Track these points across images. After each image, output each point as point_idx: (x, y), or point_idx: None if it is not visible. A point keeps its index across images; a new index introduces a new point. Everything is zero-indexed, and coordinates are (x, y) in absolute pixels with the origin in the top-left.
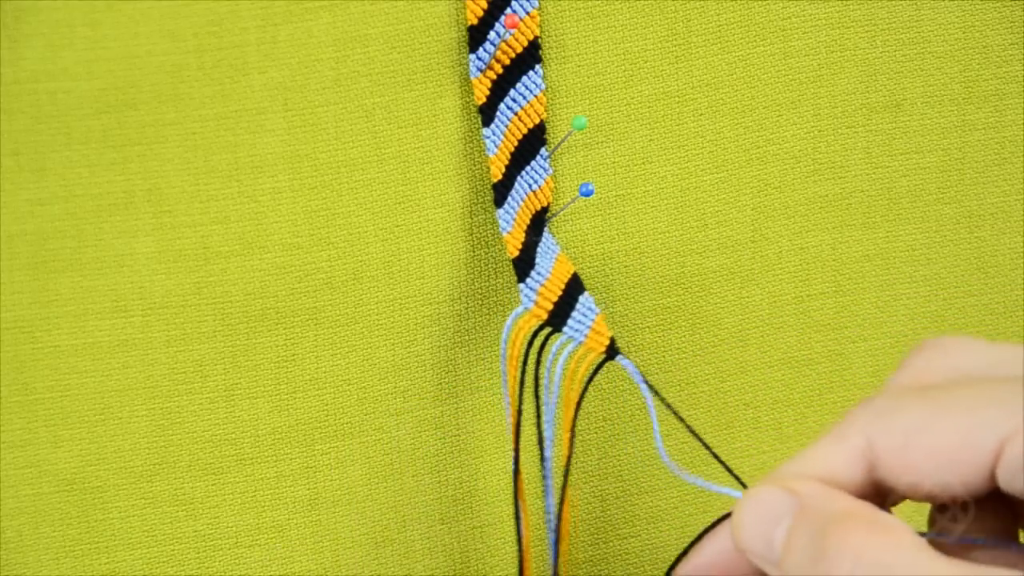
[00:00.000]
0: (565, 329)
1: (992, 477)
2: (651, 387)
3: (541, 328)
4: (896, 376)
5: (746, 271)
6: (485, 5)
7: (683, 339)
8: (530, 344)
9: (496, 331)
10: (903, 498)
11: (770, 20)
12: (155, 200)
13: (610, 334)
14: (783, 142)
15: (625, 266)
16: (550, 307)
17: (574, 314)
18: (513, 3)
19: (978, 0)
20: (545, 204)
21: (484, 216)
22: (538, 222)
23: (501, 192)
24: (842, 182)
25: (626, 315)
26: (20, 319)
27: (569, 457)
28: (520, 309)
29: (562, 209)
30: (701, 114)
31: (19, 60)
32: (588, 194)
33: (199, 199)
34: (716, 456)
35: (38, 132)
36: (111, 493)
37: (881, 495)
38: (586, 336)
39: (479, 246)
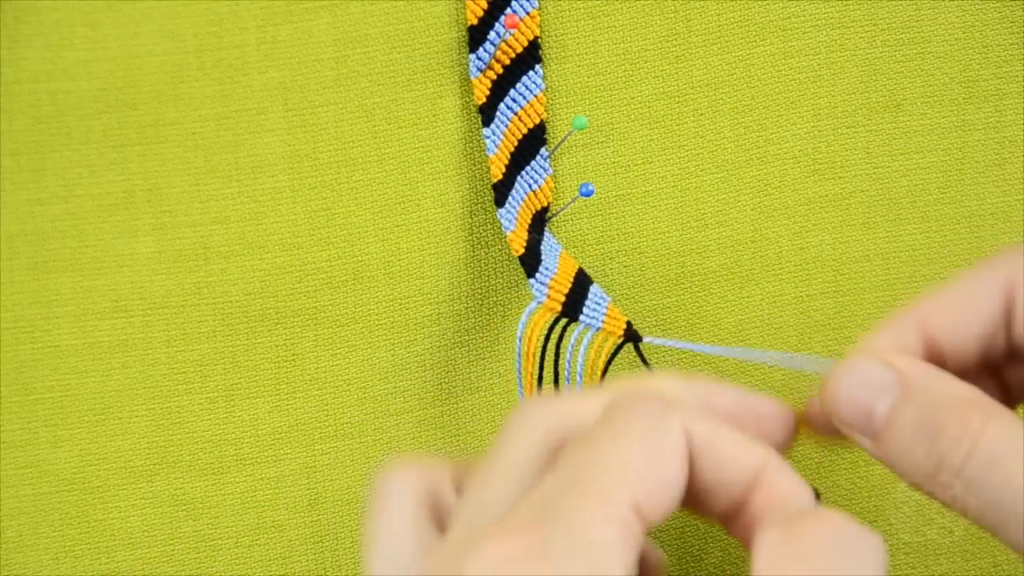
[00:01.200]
0: (581, 318)
1: None
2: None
3: (556, 321)
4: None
5: (746, 271)
6: (485, 5)
7: (683, 339)
8: (547, 338)
9: (496, 331)
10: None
11: (770, 20)
12: (155, 200)
13: (626, 318)
14: (783, 142)
15: (625, 266)
16: (563, 299)
17: (587, 303)
18: (513, 3)
19: (978, 0)
20: (545, 204)
21: (484, 216)
22: (538, 222)
23: (502, 192)
24: (842, 182)
25: (626, 315)
26: (20, 319)
27: None
28: (534, 304)
29: (562, 209)
30: (701, 114)
31: (19, 60)
32: (588, 194)
33: (199, 199)
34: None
35: (38, 132)
36: (111, 493)
37: (1011, 341)
38: (603, 323)
39: (479, 246)
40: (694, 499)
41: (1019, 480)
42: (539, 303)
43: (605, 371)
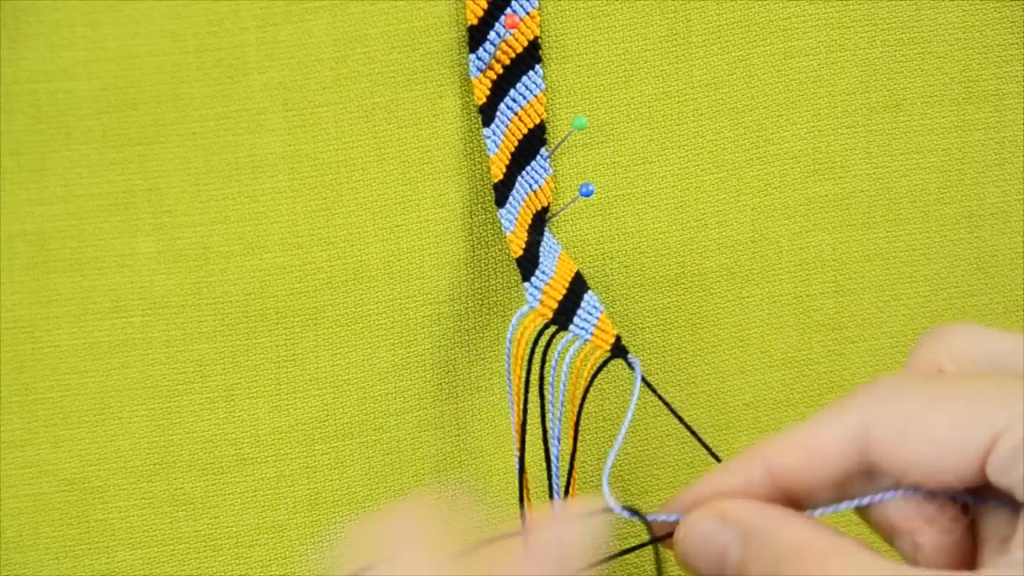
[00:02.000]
0: (571, 327)
1: (983, 472)
2: (651, 387)
3: (547, 327)
4: (909, 362)
5: (746, 271)
6: (485, 5)
7: (683, 339)
8: (535, 343)
9: (496, 331)
10: (892, 482)
11: (770, 20)
12: (155, 200)
13: (615, 332)
14: (783, 142)
15: (625, 266)
16: (555, 305)
17: (579, 312)
18: (513, 3)
19: (978, 0)
20: (545, 204)
21: (484, 216)
22: (538, 222)
23: (502, 192)
24: (842, 182)
25: (626, 315)
26: (20, 319)
27: (573, 454)
28: (525, 308)
29: (562, 209)
30: (701, 114)
31: (19, 60)
32: (588, 194)
33: (199, 199)
34: (715, 456)
35: (38, 132)
36: (111, 493)
37: (869, 475)
38: (592, 334)
39: (479, 246)
40: None
41: None
42: (531, 307)
43: (589, 386)
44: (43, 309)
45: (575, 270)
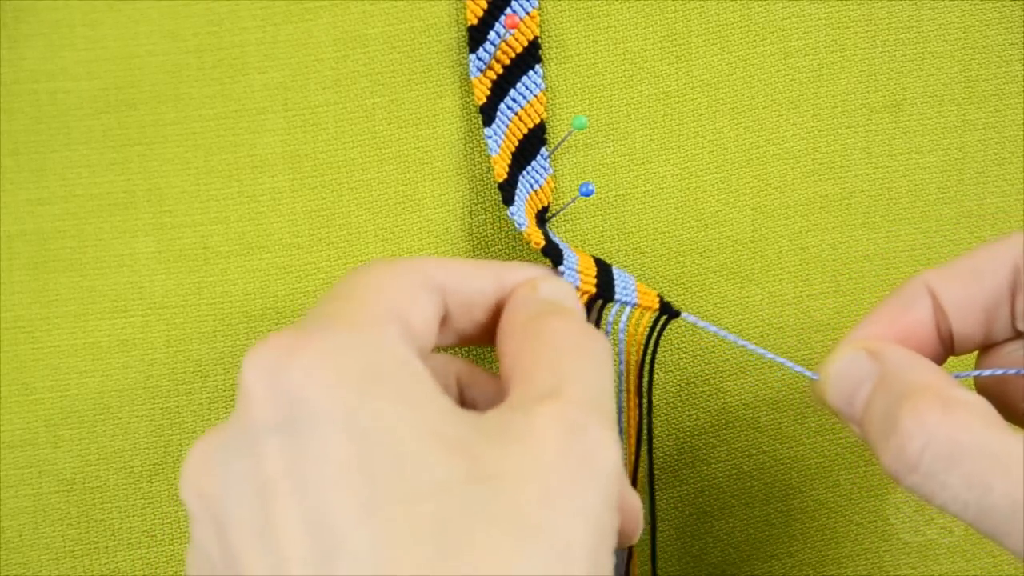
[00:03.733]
0: (617, 296)
1: None
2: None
3: (593, 301)
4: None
5: (746, 271)
6: (485, 5)
7: (683, 339)
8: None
9: None
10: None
11: (770, 20)
12: (155, 200)
13: (656, 292)
14: (783, 142)
15: (625, 266)
16: (595, 281)
17: (616, 283)
18: (513, 3)
19: (978, 0)
20: (545, 204)
21: (484, 216)
22: (539, 222)
23: (508, 191)
24: (842, 182)
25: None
26: (20, 319)
27: (640, 424)
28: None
29: (562, 209)
30: (701, 114)
31: (19, 60)
32: (588, 194)
33: (199, 199)
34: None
35: (38, 132)
36: (111, 493)
37: (1015, 309)
38: (637, 298)
39: (479, 246)
40: (461, 327)
41: (979, 474)
42: (575, 286)
43: (648, 345)
44: (43, 309)
45: (590, 256)
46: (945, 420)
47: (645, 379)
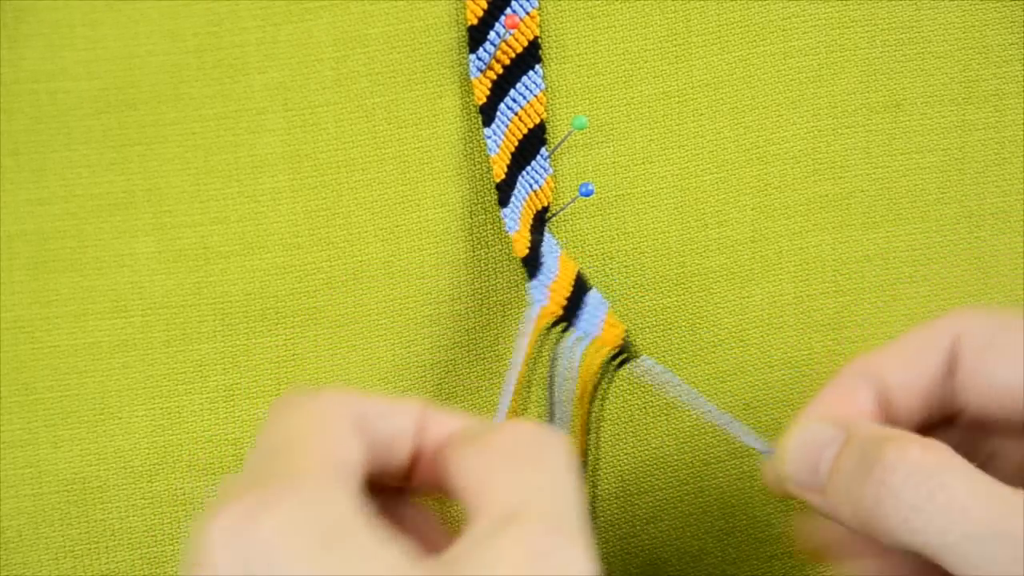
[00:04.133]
0: (579, 324)
1: None
2: (672, 382)
3: (555, 325)
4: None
5: (746, 271)
6: (485, 5)
7: (683, 339)
8: (541, 342)
9: (496, 331)
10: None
11: (770, 20)
12: (155, 200)
13: (624, 327)
14: (783, 142)
15: (625, 266)
16: (563, 303)
17: (586, 309)
18: (513, 3)
19: (978, 0)
20: (545, 204)
21: (484, 216)
22: (538, 222)
23: (505, 192)
24: (842, 182)
25: (626, 315)
26: (20, 319)
27: (586, 452)
28: (537, 306)
29: (562, 209)
30: (701, 114)
31: (19, 60)
32: (588, 194)
33: (199, 199)
34: (745, 435)
35: (38, 132)
36: (111, 493)
37: (951, 396)
38: (601, 330)
39: (479, 246)
40: (390, 470)
41: (960, 498)
42: (541, 305)
43: (598, 383)
44: (43, 309)
45: (576, 270)
46: (927, 455)
47: (595, 413)
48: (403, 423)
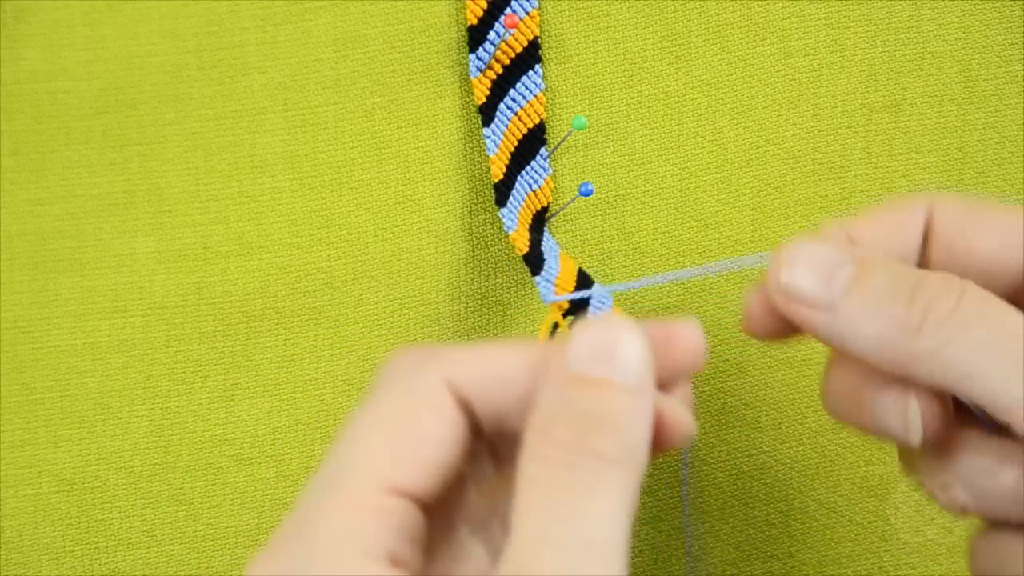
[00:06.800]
0: (588, 318)
1: None
2: None
3: (564, 316)
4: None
5: (746, 271)
6: (485, 5)
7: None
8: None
9: (496, 331)
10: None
11: (770, 20)
12: (155, 200)
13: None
14: (783, 142)
15: (625, 266)
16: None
17: (592, 302)
18: (513, 3)
19: (978, 0)
20: (545, 204)
21: (484, 216)
22: (538, 222)
23: (503, 192)
24: (842, 182)
25: (626, 315)
26: (20, 319)
27: None
28: (547, 300)
29: (562, 209)
30: (701, 114)
31: (19, 60)
32: (588, 194)
33: (199, 199)
34: None
35: (38, 132)
36: (111, 493)
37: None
38: None
39: (479, 246)
40: (498, 431)
41: (1014, 329)
42: (549, 302)
43: None
44: (43, 309)
45: (577, 266)
46: (970, 287)
47: None
48: (507, 372)
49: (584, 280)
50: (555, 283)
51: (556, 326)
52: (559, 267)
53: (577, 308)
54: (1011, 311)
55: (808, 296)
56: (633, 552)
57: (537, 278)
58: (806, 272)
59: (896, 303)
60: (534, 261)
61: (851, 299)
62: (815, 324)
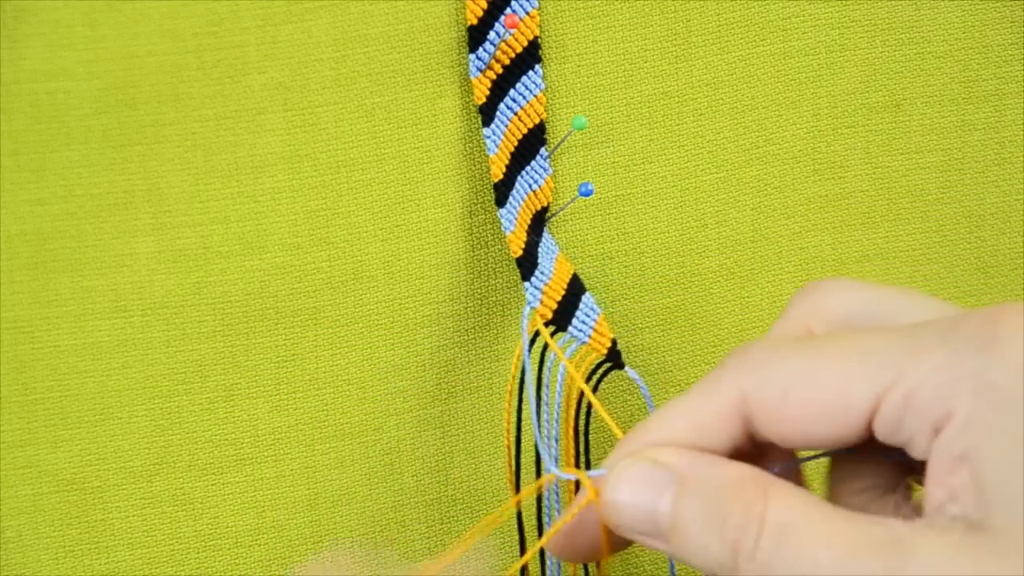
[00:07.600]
0: (569, 329)
1: (868, 430)
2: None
3: (546, 327)
4: (778, 323)
5: (746, 271)
6: (485, 5)
7: (683, 339)
8: (531, 343)
9: (496, 331)
10: (781, 450)
11: (770, 20)
12: (155, 200)
13: (612, 335)
14: (783, 142)
15: (625, 266)
16: (555, 306)
17: (577, 314)
18: (513, 3)
19: (978, 0)
20: (545, 204)
21: (484, 216)
22: (538, 222)
23: (503, 192)
24: (842, 182)
25: (626, 315)
26: (20, 319)
27: (577, 455)
28: (527, 308)
29: (561, 209)
30: (701, 114)
31: (19, 60)
32: (588, 194)
33: (199, 199)
34: None
35: (38, 132)
36: (111, 493)
37: (756, 448)
38: (589, 336)
39: (479, 246)
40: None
41: (811, 548)
42: (532, 307)
43: (595, 386)
44: (43, 309)
45: (572, 272)
46: (771, 503)
47: (582, 420)
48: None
49: (575, 288)
50: (543, 290)
51: (537, 334)
52: (552, 273)
53: (559, 320)
54: (807, 515)
55: (643, 531)
56: (629, 564)
57: (526, 284)
58: (631, 511)
59: (710, 539)
60: (526, 266)
61: (676, 532)
62: (658, 549)
